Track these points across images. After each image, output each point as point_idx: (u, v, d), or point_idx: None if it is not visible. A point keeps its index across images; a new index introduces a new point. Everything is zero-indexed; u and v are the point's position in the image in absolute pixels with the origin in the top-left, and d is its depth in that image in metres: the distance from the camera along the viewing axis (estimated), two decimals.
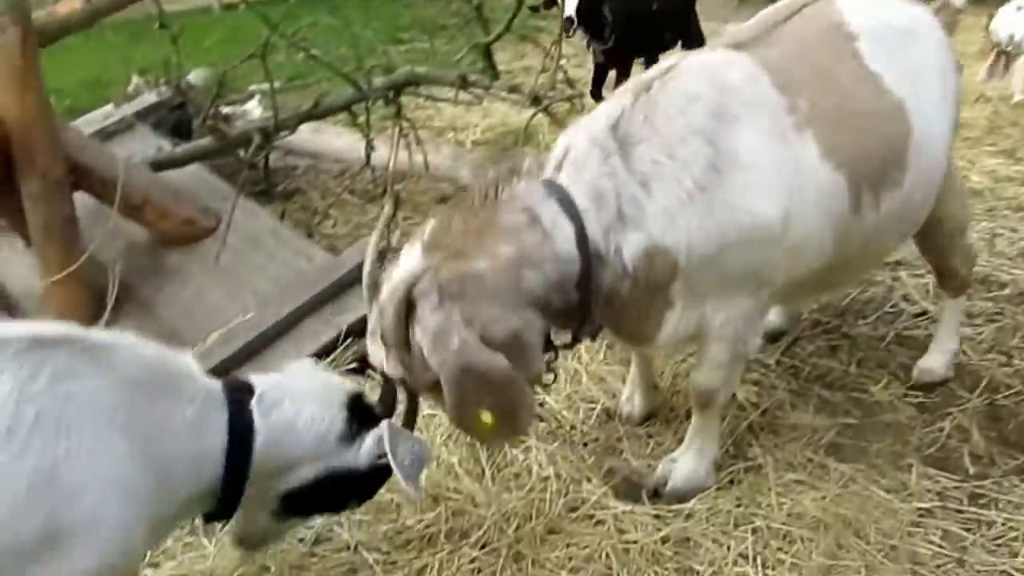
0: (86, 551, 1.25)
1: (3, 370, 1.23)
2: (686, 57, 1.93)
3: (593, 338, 1.98)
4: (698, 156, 1.74)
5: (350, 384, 1.68)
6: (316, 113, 3.27)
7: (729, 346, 1.97)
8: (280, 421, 1.50)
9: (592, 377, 2.63)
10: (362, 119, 3.27)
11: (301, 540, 2.05)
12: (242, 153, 3.45)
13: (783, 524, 2.06)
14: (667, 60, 1.95)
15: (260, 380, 1.55)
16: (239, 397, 1.48)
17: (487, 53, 3.04)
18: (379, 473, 1.60)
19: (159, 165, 3.40)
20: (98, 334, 1.38)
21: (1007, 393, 2.53)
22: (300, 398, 1.54)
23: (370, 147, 3.28)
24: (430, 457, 1.75)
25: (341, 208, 4.09)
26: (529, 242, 1.67)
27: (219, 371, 2.57)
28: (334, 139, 4.23)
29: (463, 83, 3.06)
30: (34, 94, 2.79)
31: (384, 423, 1.58)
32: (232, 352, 2.60)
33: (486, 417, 1.62)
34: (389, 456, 1.52)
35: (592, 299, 1.74)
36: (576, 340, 1.88)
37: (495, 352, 1.60)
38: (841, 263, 2.00)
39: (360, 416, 1.59)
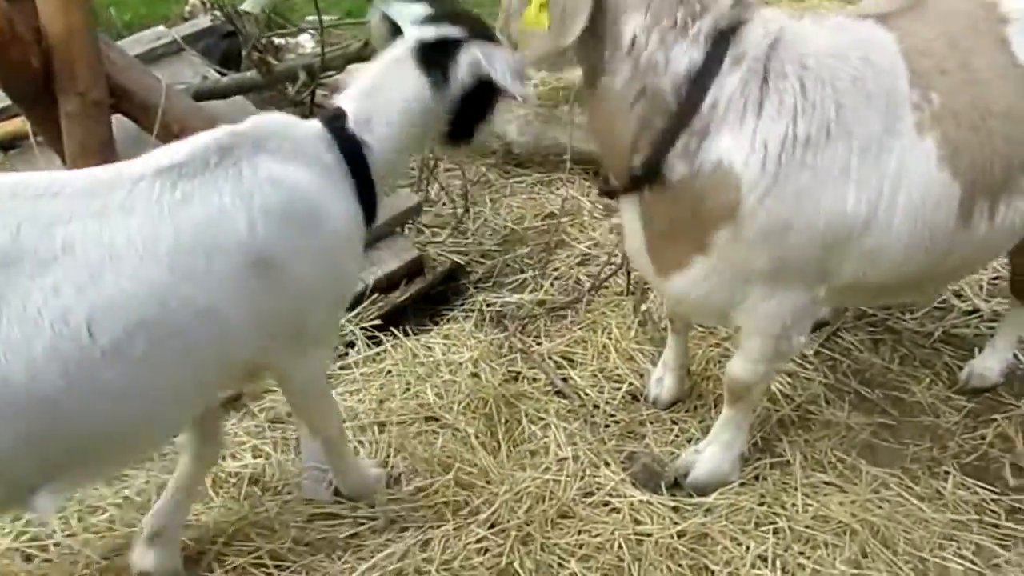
0: None
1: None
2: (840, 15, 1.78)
3: None
4: (824, 108, 1.59)
5: (406, 42, 1.69)
6: (365, 54, 3.16)
7: (772, 342, 1.86)
8: (379, 126, 1.64)
9: (621, 355, 2.55)
10: None
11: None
12: (288, 89, 3.36)
13: (807, 527, 1.99)
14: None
15: (343, 100, 1.68)
16: (338, 127, 1.62)
17: None
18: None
19: (202, 94, 3.33)
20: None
21: None
22: (383, 94, 1.66)
23: None
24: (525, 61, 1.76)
25: None
26: None
27: None
28: None
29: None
30: (79, 9, 2.72)
31: (469, 50, 1.64)
32: None
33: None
34: (491, 75, 1.61)
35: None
36: None
37: None
38: (936, 273, 1.84)
39: (441, 58, 1.66)
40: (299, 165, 1.52)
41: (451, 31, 1.67)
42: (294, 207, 1.49)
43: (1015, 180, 1.75)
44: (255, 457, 2.13)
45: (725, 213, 1.62)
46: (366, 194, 1.64)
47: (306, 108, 3.38)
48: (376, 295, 2.66)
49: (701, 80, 1.57)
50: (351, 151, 1.60)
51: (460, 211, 3.29)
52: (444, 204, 3.48)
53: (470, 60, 1.62)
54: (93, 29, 2.84)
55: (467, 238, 3.28)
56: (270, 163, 1.48)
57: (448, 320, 2.73)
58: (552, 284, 3.01)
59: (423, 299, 2.77)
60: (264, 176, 1.46)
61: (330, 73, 3.29)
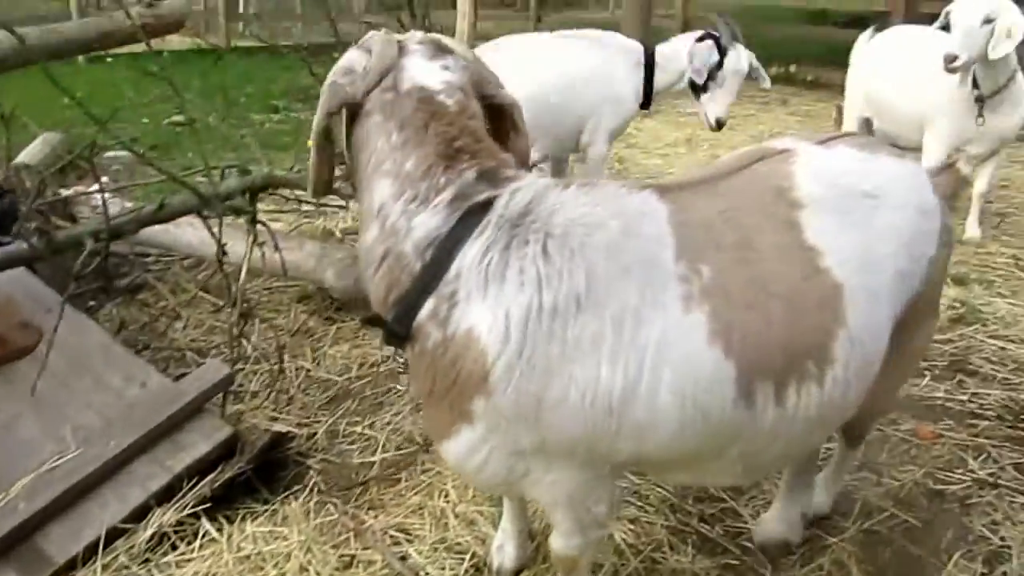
0: None
1: None
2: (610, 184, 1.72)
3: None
4: (572, 278, 1.52)
5: None
6: (161, 216, 2.96)
7: (572, 515, 1.77)
8: None
9: (461, 520, 2.42)
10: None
11: None
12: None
13: None
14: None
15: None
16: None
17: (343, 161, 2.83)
18: None
19: None
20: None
21: (880, 517, 2.49)
22: None
23: (221, 251, 3.00)
24: None
25: (193, 307, 3.77)
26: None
27: (24, 528, 2.23)
28: (188, 230, 3.89)
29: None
30: None
31: None
32: (39, 506, 2.25)
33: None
34: None
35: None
36: None
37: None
38: (735, 456, 1.72)
39: None
40: None
41: None
42: None
43: (801, 365, 1.64)
44: None
45: (478, 383, 1.55)
46: None
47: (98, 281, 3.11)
48: (188, 483, 2.40)
49: (445, 247, 1.55)
50: None
51: (277, 372, 3.10)
52: (260, 363, 3.28)
53: None
54: None
55: (288, 401, 3.09)
56: None
57: (273, 501, 2.51)
58: (386, 441, 2.86)
59: (243, 480, 2.53)
60: None
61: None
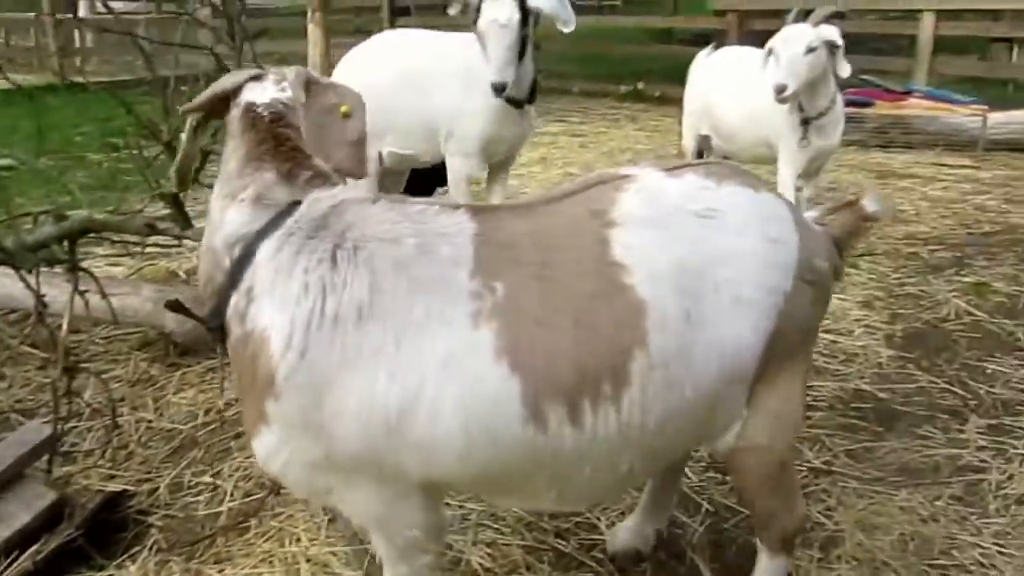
0: None
1: None
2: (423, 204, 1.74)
3: None
4: (356, 289, 1.55)
5: None
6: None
7: (383, 536, 1.77)
8: None
9: (314, 563, 2.34)
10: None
11: None
12: None
13: None
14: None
15: None
16: None
17: (176, 201, 2.72)
18: None
19: None
20: None
21: (725, 515, 2.58)
22: None
23: (41, 303, 2.81)
24: None
25: (19, 365, 3.50)
26: None
27: None
28: (5, 282, 3.63)
29: (151, 231, 2.72)
30: None
31: None
32: None
33: None
34: None
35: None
36: None
37: None
38: (543, 479, 1.69)
39: None
40: None
41: None
42: None
43: (594, 385, 1.59)
44: None
45: (268, 384, 1.56)
46: None
47: None
48: (8, 559, 2.21)
49: (250, 245, 1.62)
50: None
51: (111, 427, 2.92)
52: (94, 418, 3.08)
53: None
54: None
55: (127, 456, 2.92)
56: None
57: (107, 567, 2.35)
58: (234, 489, 2.74)
59: (74, 548, 2.35)
60: None
61: None
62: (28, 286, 2.74)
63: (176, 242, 3.62)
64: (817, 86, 4.39)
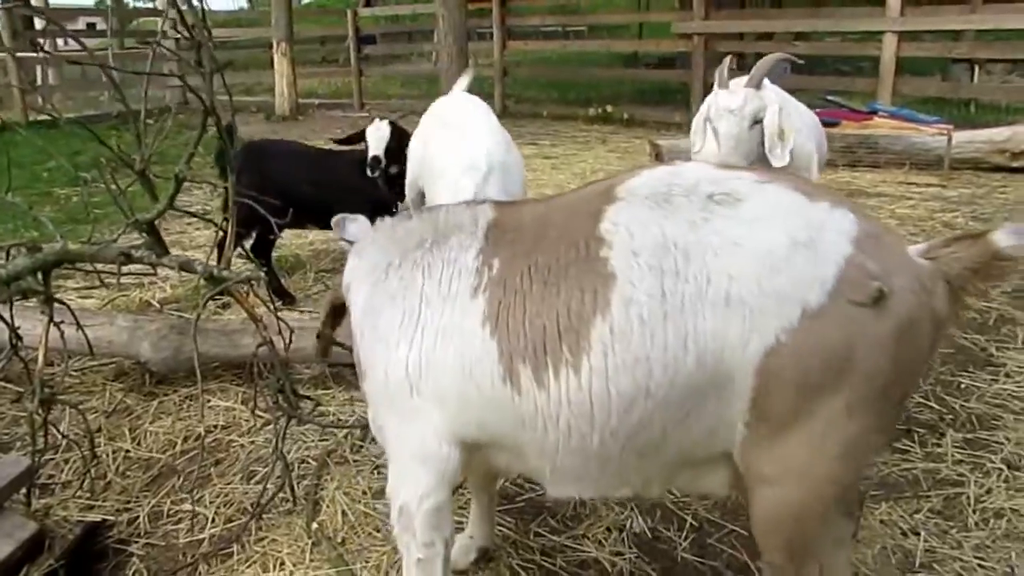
0: None
1: None
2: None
3: None
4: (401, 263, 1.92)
5: None
6: None
7: (394, 504, 1.93)
8: None
9: None
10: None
11: None
12: None
13: None
14: None
15: None
16: None
17: (151, 228, 2.71)
18: None
19: None
20: None
21: (709, 529, 2.60)
22: None
23: (15, 336, 2.77)
24: None
25: None
26: None
27: None
28: None
29: (126, 259, 2.69)
30: None
31: None
32: None
33: None
34: None
35: None
36: None
37: None
38: (531, 445, 1.74)
39: None
40: None
41: None
42: None
43: (554, 347, 1.64)
44: None
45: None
46: None
47: None
48: None
49: None
50: None
51: (89, 458, 2.87)
52: (71, 450, 3.04)
53: None
54: None
55: (106, 487, 2.87)
56: None
57: None
58: (215, 515, 2.71)
59: None
60: None
61: None
62: (2, 319, 2.70)
63: (151, 270, 3.59)
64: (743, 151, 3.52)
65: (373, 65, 15.57)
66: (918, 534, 2.54)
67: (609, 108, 11.37)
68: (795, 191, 1.62)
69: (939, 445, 3.04)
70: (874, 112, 8.23)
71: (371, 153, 4.45)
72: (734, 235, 1.57)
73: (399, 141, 4.47)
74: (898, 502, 2.70)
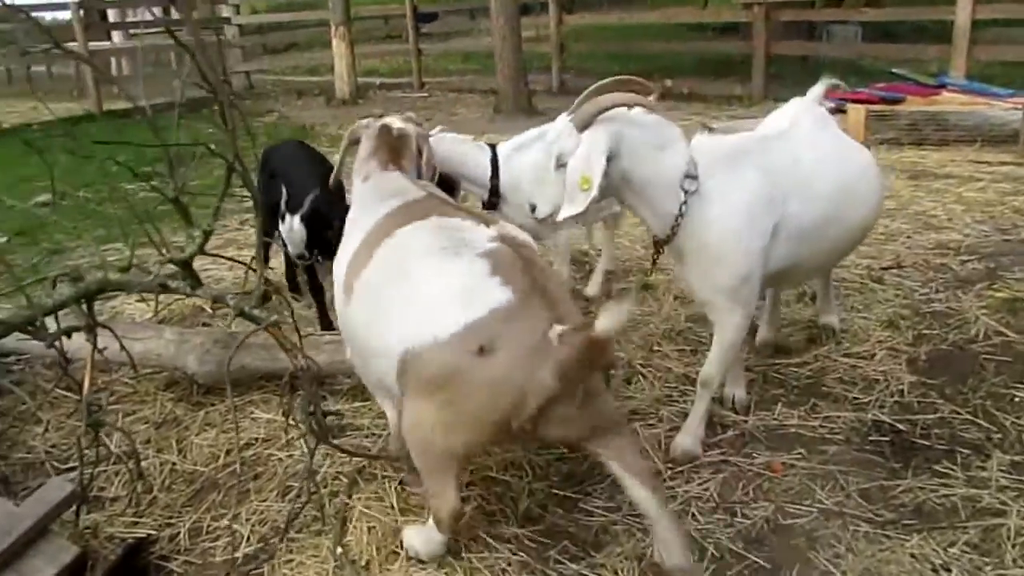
0: None
1: None
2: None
3: None
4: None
5: None
6: None
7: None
8: None
9: None
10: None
11: None
12: None
13: None
14: None
15: None
16: None
17: (186, 265, 2.82)
18: None
19: None
20: None
21: (730, 560, 2.56)
22: None
23: (64, 360, 2.91)
24: None
25: (54, 409, 3.63)
26: None
27: None
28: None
29: (163, 289, 2.81)
30: None
31: None
32: None
33: None
34: None
35: None
36: None
37: None
38: None
39: None
40: None
41: None
42: None
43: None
44: None
45: None
46: None
47: None
48: None
49: None
50: None
51: (136, 474, 3.02)
52: (121, 462, 3.19)
53: None
54: None
55: (151, 501, 3.01)
56: None
57: None
58: (250, 534, 2.82)
59: None
60: None
61: None
62: (52, 346, 2.84)
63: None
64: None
65: (433, 41, 15.54)
66: (950, 571, 2.45)
67: (668, 83, 11.14)
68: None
69: (983, 468, 2.92)
70: (943, 86, 7.85)
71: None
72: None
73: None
74: (931, 533, 2.61)
